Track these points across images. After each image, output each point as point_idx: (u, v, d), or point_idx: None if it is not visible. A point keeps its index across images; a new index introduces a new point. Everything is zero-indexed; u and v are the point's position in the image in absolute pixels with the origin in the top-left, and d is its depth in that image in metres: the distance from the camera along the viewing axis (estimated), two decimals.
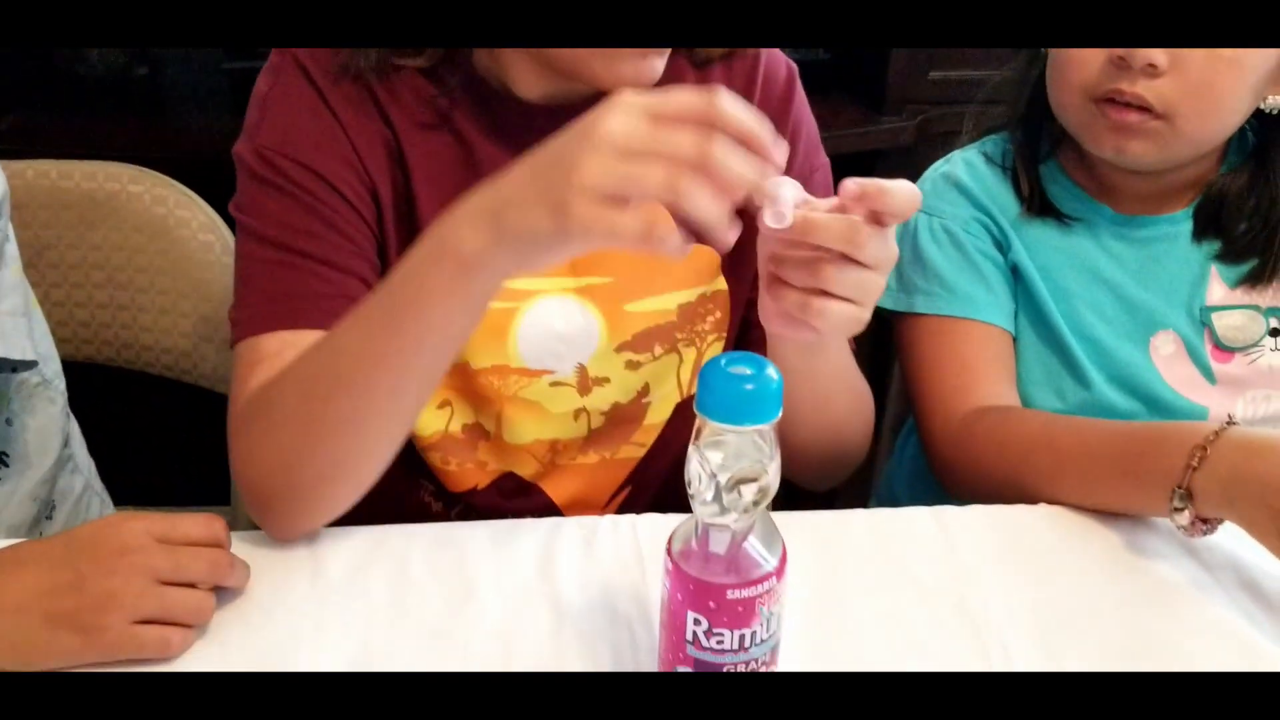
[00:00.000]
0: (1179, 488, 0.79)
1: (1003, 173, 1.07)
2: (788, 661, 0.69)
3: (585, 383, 0.92)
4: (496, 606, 0.76)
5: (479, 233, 0.66)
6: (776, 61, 0.94)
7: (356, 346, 0.73)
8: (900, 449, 1.22)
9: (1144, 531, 0.84)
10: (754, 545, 0.63)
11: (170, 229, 1.19)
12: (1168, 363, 1.03)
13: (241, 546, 0.77)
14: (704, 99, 0.61)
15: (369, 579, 0.78)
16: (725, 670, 0.63)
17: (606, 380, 0.93)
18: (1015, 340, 1.04)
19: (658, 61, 0.79)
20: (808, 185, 0.94)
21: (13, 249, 0.94)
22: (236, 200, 0.86)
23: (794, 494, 1.05)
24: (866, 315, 0.72)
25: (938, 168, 1.11)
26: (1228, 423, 0.80)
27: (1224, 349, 1.03)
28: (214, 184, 1.14)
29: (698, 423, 0.60)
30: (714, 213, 0.60)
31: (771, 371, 0.59)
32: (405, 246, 0.72)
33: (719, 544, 0.63)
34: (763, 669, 0.65)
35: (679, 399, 0.97)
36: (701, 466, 0.60)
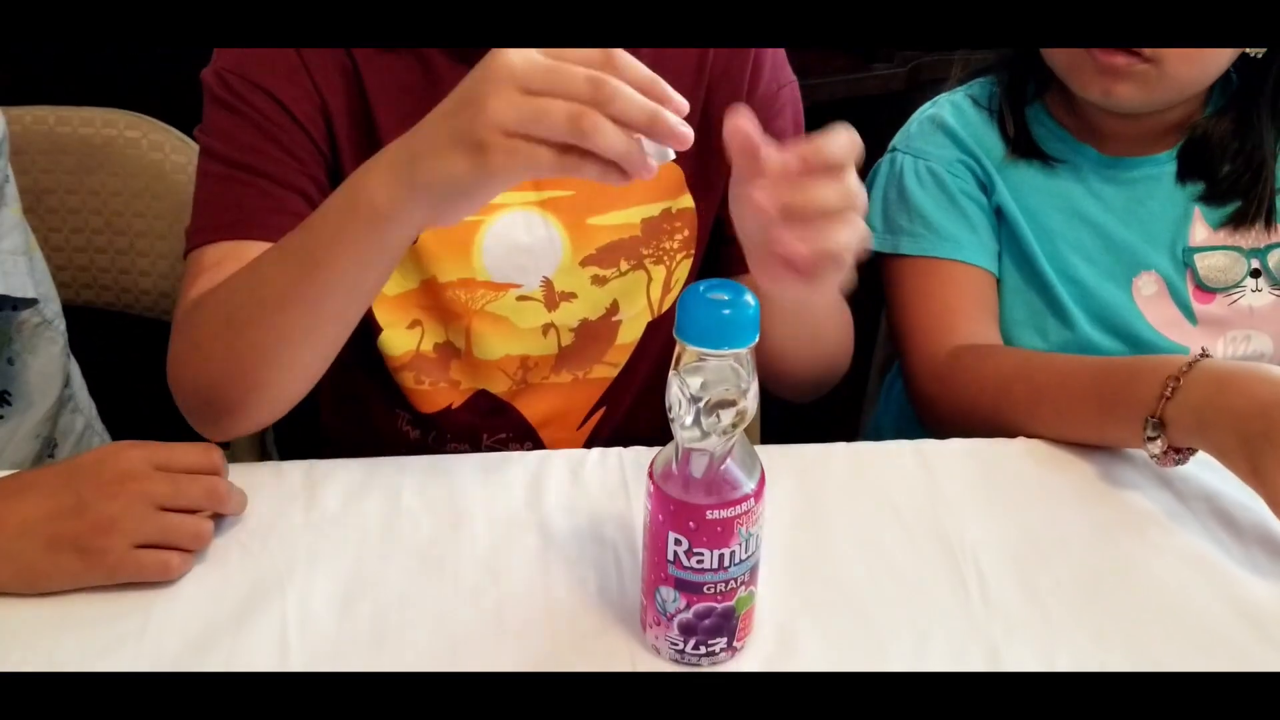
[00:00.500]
0: (1152, 417, 0.81)
1: (988, 115, 1.08)
2: (769, 586, 0.71)
3: (552, 297, 0.94)
4: (486, 534, 0.78)
5: (390, 185, 0.68)
6: None
7: (275, 282, 0.76)
8: (886, 391, 1.24)
9: (1119, 463, 0.86)
10: (732, 468, 0.65)
11: (167, 174, 1.20)
12: (1150, 303, 1.05)
13: (238, 476, 0.79)
14: (600, 51, 0.63)
15: (362, 508, 0.80)
16: (705, 588, 0.66)
17: (573, 295, 0.95)
18: (999, 281, 1.06)
19: None
20: (774, 103, 0.94)
21: (12, 189, 0.95)
22: (201, 124, 0.89)
23: (781, 429, 1.07)
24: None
25: (924, 110, 1.12)
26: (1201, 355, 0.82)
27: (1205, 290, 1.05)
28: None
29: (677, 349, 0.62)
30: (620, 146, 0.62)
31: (749, 298, 0.61)
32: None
33: (698, 467, 0.65)
34: (741, 588, 0.67)
35: (650, 318, 0.99)
36: (681, 391, 0.62)
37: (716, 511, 0.64)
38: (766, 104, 0.94)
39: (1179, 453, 0.82)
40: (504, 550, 0.77)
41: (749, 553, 0.66)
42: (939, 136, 1.08)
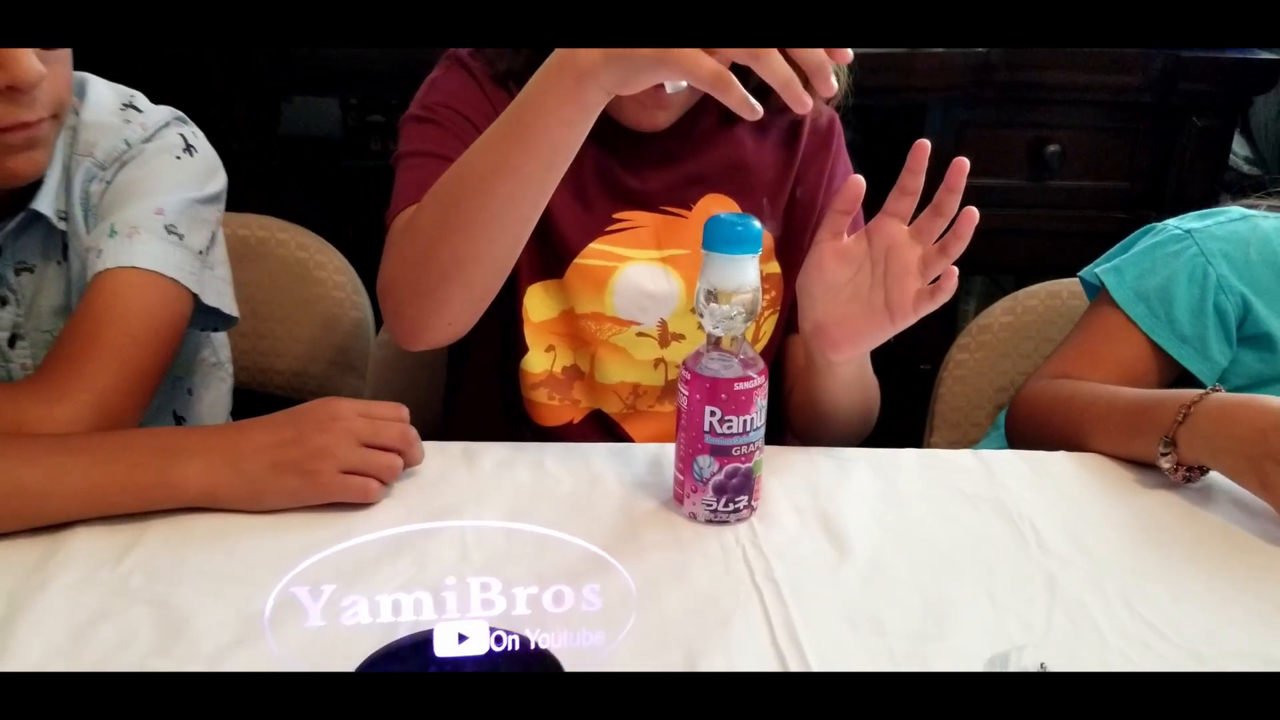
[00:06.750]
0: (1166, 437, 0.97)
1: None
2: (863, 549, 0.87)
3: (665, 336, 1.12)
4: (618, 490, 0.94)
5: (592, 52, 0.83)
6: (818, 112, 1.16)
7: (483, 159, 0.89)
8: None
9: (1150, 471, 1.01)
10: (744, 356, 0.87)
11: (310, 271, 1.40)
12: None
13: None
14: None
15: (513, 471, 0.96)
16: (734, 450, 0.86)
17: (682, 337, 1.13)
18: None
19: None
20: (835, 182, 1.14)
21: (221, 234, 1.14)
22: (400, 144, 1.06)
23: None
24: None
25: (1234, 216, 1.15)
26: (1213, 390, 0.98)
27: None
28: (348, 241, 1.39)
29: (704, 261, 0.84)
30: None
31: (755, 222, 0.84)
32: None
33: (725, 356, 0.86)
34: (757, 452, 0.87)
35: None
36: (711, 293, 0.84)
37: (742, 384, 0.84)
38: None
39: (1190, 470, 0.97)
40: (636, 498, 0.93)
41: (761, 420, 0.86)
42: (1236, 260, 1.11)
